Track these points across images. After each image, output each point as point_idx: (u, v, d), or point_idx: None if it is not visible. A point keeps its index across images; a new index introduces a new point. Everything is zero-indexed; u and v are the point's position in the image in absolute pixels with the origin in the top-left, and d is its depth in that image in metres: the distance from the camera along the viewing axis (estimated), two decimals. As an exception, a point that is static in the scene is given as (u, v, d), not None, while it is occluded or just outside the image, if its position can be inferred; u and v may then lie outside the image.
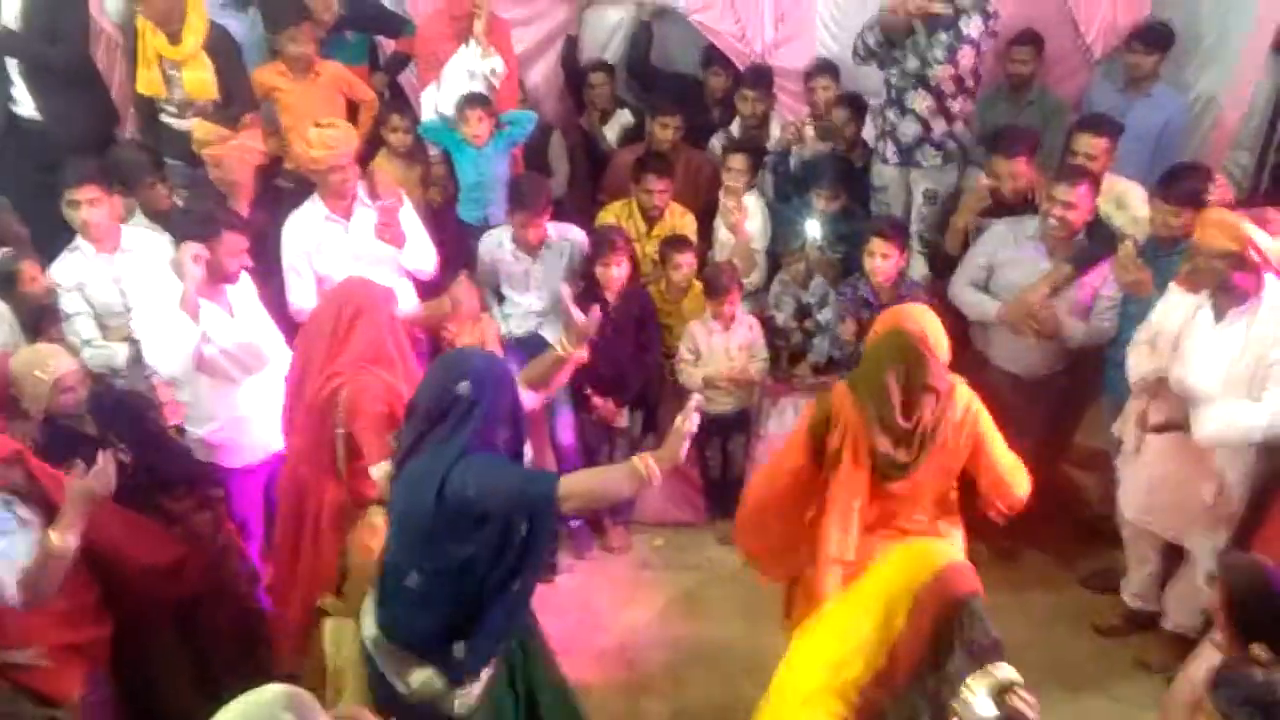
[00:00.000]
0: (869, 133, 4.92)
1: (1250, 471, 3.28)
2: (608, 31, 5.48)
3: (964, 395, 2.89)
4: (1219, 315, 3.21)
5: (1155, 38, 4.68)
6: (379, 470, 2.95)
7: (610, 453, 4.43)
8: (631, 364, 4.31)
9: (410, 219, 4.15)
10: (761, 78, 5.09)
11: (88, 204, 3.69)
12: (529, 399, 2.95)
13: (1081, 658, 3.81)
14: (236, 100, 4.65)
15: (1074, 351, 3.92)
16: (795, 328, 4.60)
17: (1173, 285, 3.32)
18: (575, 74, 5.49)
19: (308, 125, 3.99)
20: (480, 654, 2.63)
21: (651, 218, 4.59)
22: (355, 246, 4.00)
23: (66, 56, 4.58)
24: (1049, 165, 4.33)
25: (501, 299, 4.53)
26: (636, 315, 4.30)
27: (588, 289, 4.28)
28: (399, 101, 5.20)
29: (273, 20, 4.86)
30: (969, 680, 2.10)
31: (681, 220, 4.61)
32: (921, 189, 4.78)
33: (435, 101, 4.86)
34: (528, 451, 2.81)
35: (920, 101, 4.57)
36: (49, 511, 2.77)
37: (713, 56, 5.32)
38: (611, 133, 5.34)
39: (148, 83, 4.60)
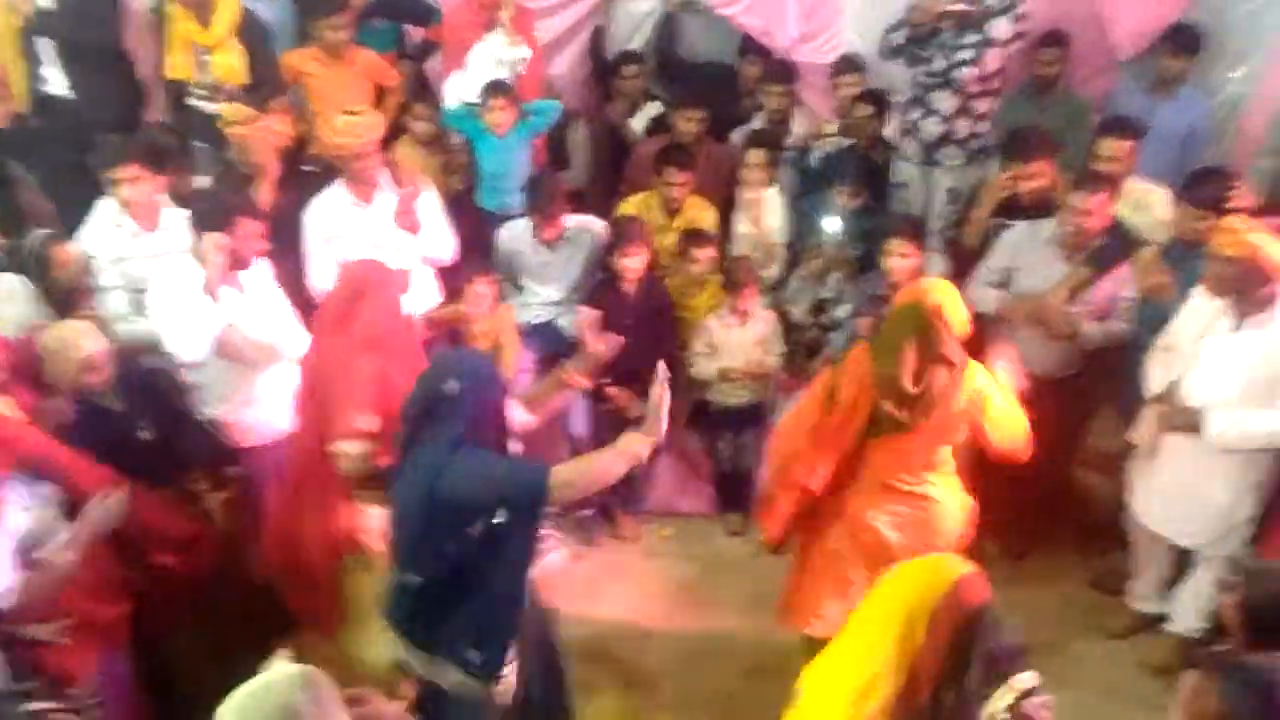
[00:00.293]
0: (890, 130, 4.92)
1: (1263, 478, 3.28)
2: (635, 22, 5.49)
3: (975, 374, 3.01)
4: (1236, 323, 3.20)
5: (1186, 41, 4.66)
6: (346, 447, 2.93)
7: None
8: (648, 355, 4.33)
9: (432, 207, 4.19)
10: (787, 73, 5.09)
11: (129, 182, 3.74)
12: (523, 416, 2.99)
13: (1088, 657, 3.83)
14: (265, 85, 4.69)
15: (1090, 353, 3.91)
16: (811, 323, 4.60)
17: (1196, 290, 3.31)
18: (602, 65, 5.51)
19: (336, 111, 4.03)
20: (494, 654, 2.67)
21: (672, 210, 4.60)
22: (376, 232, 4.04)
23: (98, 37, 4.65)
24: (1072, 166, 4.31)
25: (519, 288, 4.57)
26: (654, 307, 4.32)
27: (606, 279, 4.32)
28: (423, 89, 5.24)
29: (310, 6, 4.90)
30: (995, 696, 2.09)
31: (702, 213, 4.63)
32: (945, 188, 4.78)
33: (460, 89, 4.89)
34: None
35: (945, 101, 4.57)
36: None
37: (749, 45, 5.31)
38: (639, 124, 5.34)
39: (178, 66, 4.66)
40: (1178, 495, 3.40)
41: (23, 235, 3.88)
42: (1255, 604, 2.59)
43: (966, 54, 4.44)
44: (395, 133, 4.82)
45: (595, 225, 4.46)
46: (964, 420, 3.03)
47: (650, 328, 4.32)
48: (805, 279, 4.64)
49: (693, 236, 4.43)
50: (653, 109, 5.28)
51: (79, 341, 3.14)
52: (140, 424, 3.28)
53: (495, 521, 2.52)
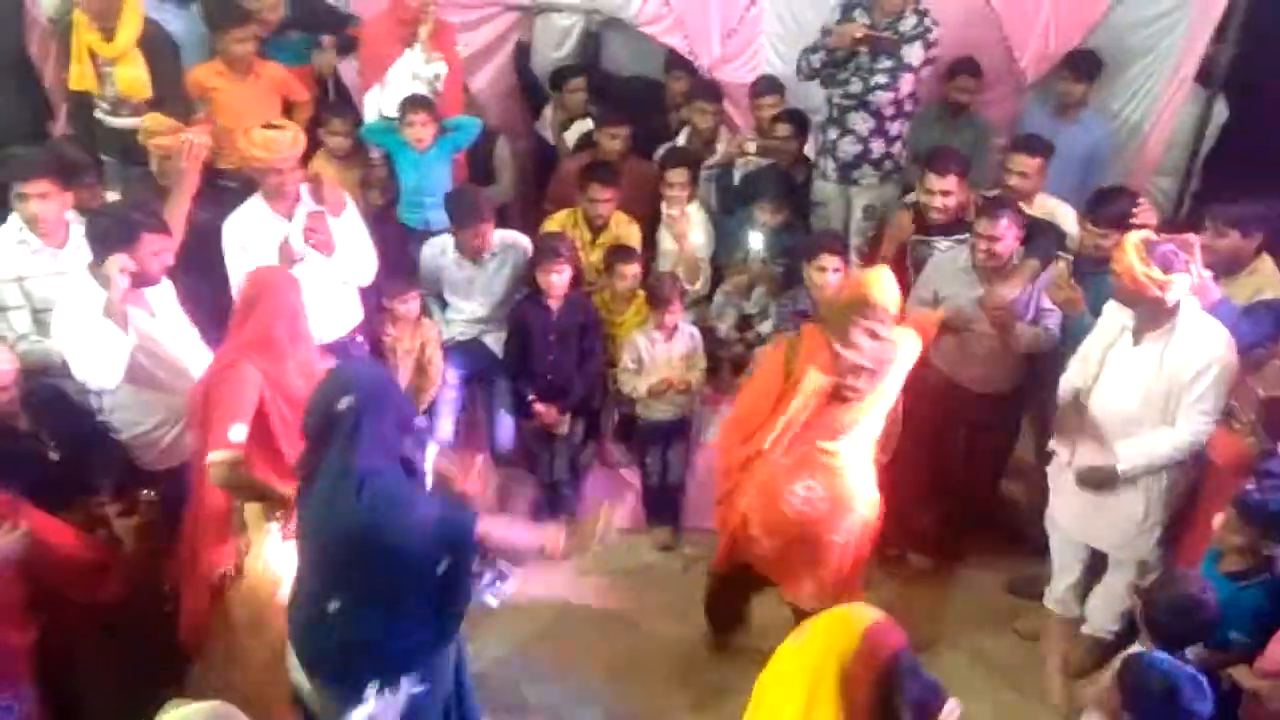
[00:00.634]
0: (809, 149, 5.02)
1: (1172, 484, 3.42)
2: (558, 37, 5.49)
3: (910, 347, 3.31)
4: (1137, 338, 3.34)
5: (1085, 66, 4.86)
6: (215, 457, 2.92)
7: (550, 460, 4.44)
8: (574, 371, 4.34)
9: (354, 225, 4.10)
10: (716, 91, 5.16)
11: (38, 198, 3.58)
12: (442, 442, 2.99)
13: (1001, 657, 3.94)
14: (168, 100, 4.55)
15: (1023, 367, 4.00)
16: (737, 338, 4.66)
17: (1109, 303, 3.43)
18: (530, 79, 5.50)
19: (243, 126, 3.93)
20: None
21: (596, 226, 4.62)
22: (295, 248, 3.94)
23: (2, 49, 4.47)
24: (979, 185, 4.47)
25: (443, 304, 4.52)
26: (580, 322, 4.32)
27: (531, 295, 4.30)
28: (343, 102, 5.16)
29: (213, 19, 4.79)
30: None
31: (626, 230, 4.65)
32: (861, 204, 4.89)
33: (378, 103, 4.84)
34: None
35: (861, 122, 4.69)
36: None
37: (675, 60, 5.36)
38: (572, 138, 5.34)
39: (81, 78, 4.51)
40: (1091, 500, 3.50)
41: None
42: (1159, 610, 2.76)
43: (882, 78, 4.56)
44: (311, 147, 4.73)
45: (521, 241, 4.44)
46: (894, 380, 3.29)
47: (576, 344, 4.33)
48: (730, 295, 4.69)
49: (618, 252, 4.45)
50: (585, 125, 5.28)
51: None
52: (47, 444, 3.15)
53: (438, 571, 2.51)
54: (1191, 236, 3.38)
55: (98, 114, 4.62)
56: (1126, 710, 2.53)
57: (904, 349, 3.32)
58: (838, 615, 2.19)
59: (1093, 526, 3.58)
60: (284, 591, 2.96)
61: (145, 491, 3.48)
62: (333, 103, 5.14)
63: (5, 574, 2.77)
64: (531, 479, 4.46)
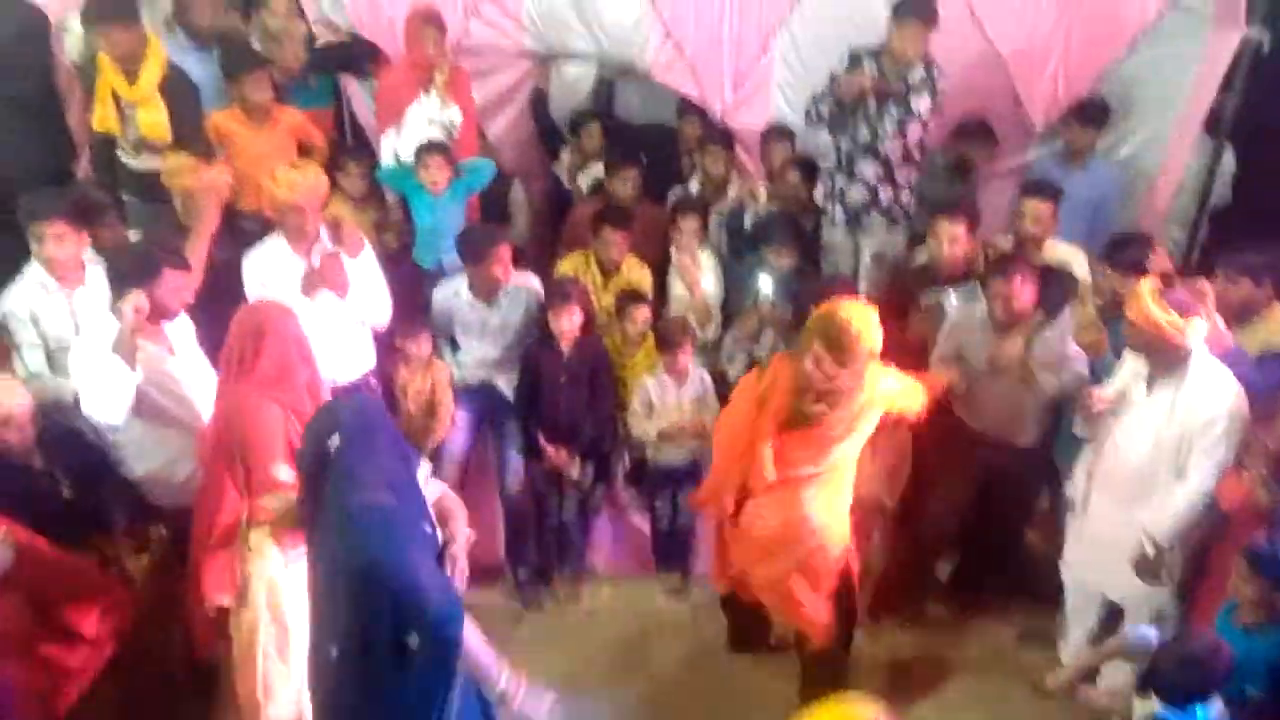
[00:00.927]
0: (819, 195, 5.06)
1: (1187, 532, 3.39)
2: (573, 85, 5.57)
3: (881, 377, 3.33)
4: (1150, 385, 3.34)
5: (1093, 114, 4.90)
6: (270, 503, 2.92)
7: (560, 502, 4.44)
8: (585, 413, 4.34)
9: (370, 267, 4.15)
10: (728, 137, 5.20)
11: (54, 239, 3.64)
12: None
13: (1017, 712, 3.89)
14: (189, 143, 4.60)
15: (1048, 417, 3.98)
16: (747, 382, 4.67)
17: (1128, 349, 3.43)
18: (548, 125, 5.57)
19: (261, 171, 3.98)
20: None
21: (608, 270, 4.65)
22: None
23: (28, 90, 4.55)
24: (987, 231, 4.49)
25: (455, 346, 4.55)
26: (590, 365, 4.33)
27: (542, 338, 4.32)
28: (359, 145, 5.22)
29: (229, 67, 4.87)
30: None
31: (638, 273, 4.68)
32: (870, 252, 4.92)
33: (395, 147, 4.90)
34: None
35: (869, 169, 4.73)
36: None
37: (687, 105, 5.41)
38: (585, 182, 5.39)
39: (104, 120, 4.59)
40: (1107, 548, 3.48)
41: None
42: (1159, 669, 2.79)
43: (889, 126, 4.61)
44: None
45: (534, 283, 4.47)
46: (865, 417, 3.31)
47: (587, 386, 4.33)
48: (740, 339, 4.70)
49: (630, 296, 4.47)
50: (598, 169, 5.32)
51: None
52: (60, 482, 3.17)
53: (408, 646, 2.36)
54: (1204, 283, 3.40)
55: (120, 155, 4.69)
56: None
57: (882, 389, 3.32)
58: (839, 710, 2.20)
59: (1109, 576, 3.55)
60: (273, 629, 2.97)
61: (156, 528, 3.51)
62: (349, 146, 5.21)
63: (9, 606, 2.76)
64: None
